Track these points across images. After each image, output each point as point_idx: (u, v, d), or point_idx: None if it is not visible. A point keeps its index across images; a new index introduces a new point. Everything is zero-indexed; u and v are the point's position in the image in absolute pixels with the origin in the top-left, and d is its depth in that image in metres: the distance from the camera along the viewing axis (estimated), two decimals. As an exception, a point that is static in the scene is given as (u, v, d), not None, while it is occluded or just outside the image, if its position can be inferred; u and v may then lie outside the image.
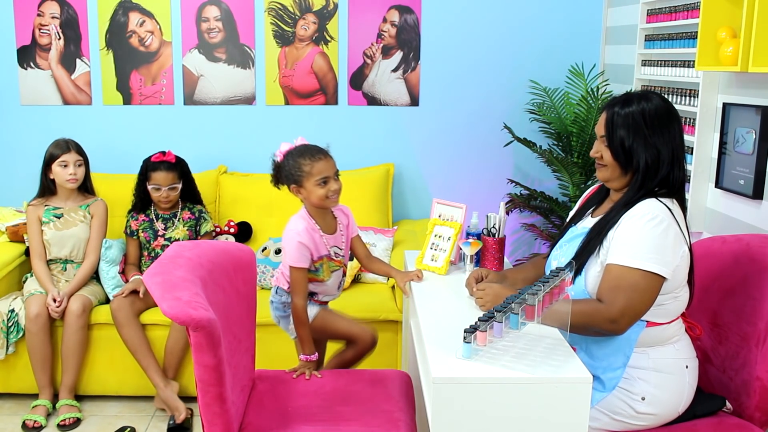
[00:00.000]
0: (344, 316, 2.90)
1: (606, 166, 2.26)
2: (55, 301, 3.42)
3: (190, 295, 2.04)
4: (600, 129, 2.27)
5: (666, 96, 3.47)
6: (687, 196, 3.24)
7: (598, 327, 2.10)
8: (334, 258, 2.72)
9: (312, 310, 2.74)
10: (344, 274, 2.83)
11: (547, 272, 2.42)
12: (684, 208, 2.23)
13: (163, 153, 3.71)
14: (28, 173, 3.76)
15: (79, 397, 3.57)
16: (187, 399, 3.46)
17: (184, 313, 1.96)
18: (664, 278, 2.10)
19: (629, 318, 2.08)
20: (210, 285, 2.23)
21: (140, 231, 3.69)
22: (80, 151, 3.65)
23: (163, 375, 3.44)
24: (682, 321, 2.27)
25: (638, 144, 2.18)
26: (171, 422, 3.34)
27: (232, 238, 3.96)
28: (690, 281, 2.24)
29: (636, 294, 2.07)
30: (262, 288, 3.72)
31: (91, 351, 3.53)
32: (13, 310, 3.45)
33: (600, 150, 2.27)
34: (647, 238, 2.09)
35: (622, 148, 2.19)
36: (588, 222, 2.36)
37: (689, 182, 3.23)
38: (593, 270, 2.20)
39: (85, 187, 3.72)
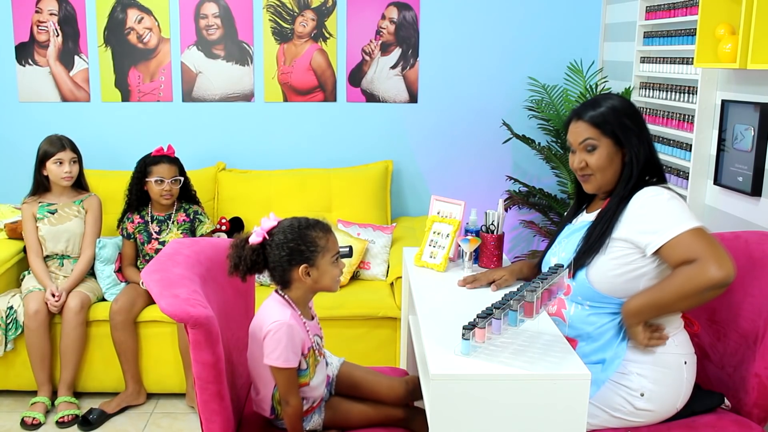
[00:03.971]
0: (355, 405, 2.35)
1: (593, 175, 2.28)
2: (54, 296, 3.42)
3: (188, 292, 2.04)
4: (580, 135, 2.28)
5: (665, 93, 3.48)
6: (685, 193, 3.24)
7: (711, 281, 2.01)
8: (317, 348, 2.25)
9: (316, 419, 2.27)
10: (327, 365, 2.36)
11: (544, 269, 2.43)
12: None
13: (162, 149, 3.70)
14: (26, 170, 3.75)
15: (78, 394, 3.57)
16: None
17: (182, 311, 1.96)
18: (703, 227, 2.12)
19: (725, 256, 2.03)
20: (209, 282, 2.23)
21: (136, 233, 3.67)
22: (74, 148, 3.64)
23: (139, 381, 3.52)
24: (680, 316, 2.27)
25: (621, 135, 2.23)
26: None
27: (224, 236, 3.95)
28: None
29: (708, 239, 2.06)
30: (261, 285, 3.72)
31: (90, 348, 3.53)
32: (11, 307, 3.45)
33: (583, 158, 2.28)
34: (671, 208, 2.13)
35: (617, 141, 2.24)
36: (583, 218, 2.37)
37: (687, 179, 3.23)
38: (598, 266, 2.20)
39: (79, 183, 3.72)
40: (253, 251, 2.14)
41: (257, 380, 2.24)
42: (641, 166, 2.24)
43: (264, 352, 2.12)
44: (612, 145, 2.24)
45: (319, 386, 2.27)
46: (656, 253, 2.13)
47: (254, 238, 2.15)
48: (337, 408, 2.32)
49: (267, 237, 2.15)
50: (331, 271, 2.18)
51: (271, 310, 2.16)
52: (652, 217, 2.14)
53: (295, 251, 2.13)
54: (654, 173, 2.27)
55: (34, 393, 3.51)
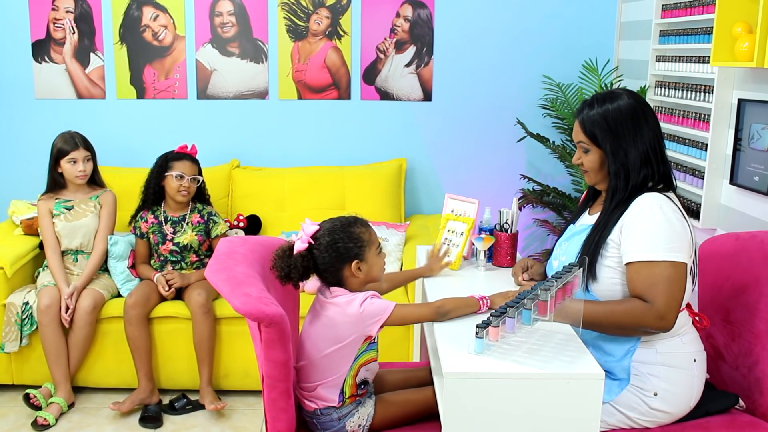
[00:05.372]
0: (396, 397, 2.38)
1: (588, 172, 2.28)
2: (68, 307, 3.43)
3: (258, 291, 2.03)
4: (576, 136, 2.28)
5: (681, 92, 3.45)
6: (700, 192, 3.22)
7: (647, 326, 2.09)
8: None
9: (368, 407, 2.31)
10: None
11: (549, 271, 2.42)
12: (678, 198, 2.25)
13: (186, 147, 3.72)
14: (42, 167, 3.77)
15: (89, 389, 3.61)
16: (217, 391, 3.57)
17: (257, 309, 1.95)
18: (686, 264, 2.11)
19: (674, 310, 2.08)
20: (264, 280, 2.20)
21: (150, 233, 3.67)
22: (87, 146, 3.66)
23: (152, 379, 3.50)
24: (688, 314, 2.26)
25: (607, 145, 2.19)
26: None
27: (242, 233, 3.96)
28: (692, 271, 2.22)
29: (673, 285, 2.08)
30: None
31: (105, 343, 3.54)
32: (27, 303, 3.47)
33: (580, 157, 2.28)
34: (659, 229, 2.10)
35: (602, 150, 2.21)
36: (585, 219, 2.36)
37: (703, 179, 3.21)
38: (602, 274, 2.19)
39: (94, 180, 3.74)
40: (302, 258, 2.19)
41: (326, 370, 2.22)
42: (638, 175, 2.18)
43: (368, 321, 2.16)
44: (602, 153, 2.22)
45: (376, 368, 2.33)
46: (626, 265, 2.14)
47: (300, 245, 2.19)
48: (387, 401, 2.34)
49: (312, 242, 2.20)
50: (378, 263, 2.25)
51: (347, 295, 2.19)
52: (640, 231, 2.12)
53: (343, 250, 2.18)
54: (660, 179, 2.22)
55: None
